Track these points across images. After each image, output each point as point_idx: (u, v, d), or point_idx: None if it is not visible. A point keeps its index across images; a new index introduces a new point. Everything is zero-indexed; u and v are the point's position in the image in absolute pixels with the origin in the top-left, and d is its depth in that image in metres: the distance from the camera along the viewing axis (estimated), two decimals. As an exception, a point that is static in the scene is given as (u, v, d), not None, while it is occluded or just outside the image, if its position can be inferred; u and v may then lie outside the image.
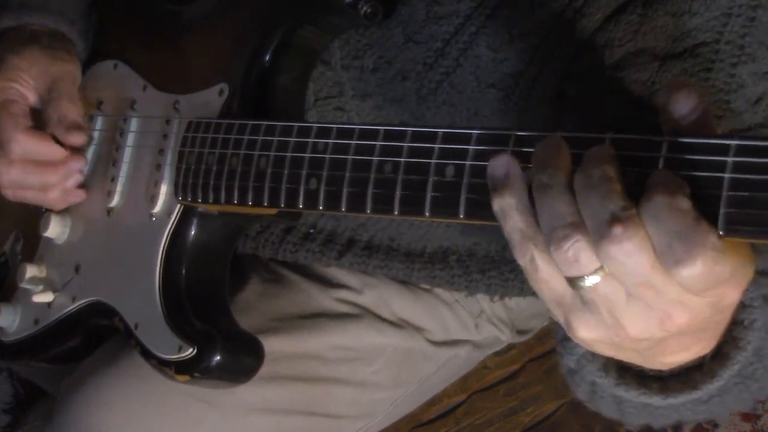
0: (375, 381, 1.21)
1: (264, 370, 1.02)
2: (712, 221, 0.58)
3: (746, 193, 0.57)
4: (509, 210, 0.64)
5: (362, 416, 1.23)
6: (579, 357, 0.81)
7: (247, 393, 1.09)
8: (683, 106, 0.61)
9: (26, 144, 1.07)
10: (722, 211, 0.58)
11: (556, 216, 0.61)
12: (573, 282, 0.62)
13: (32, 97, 1.11)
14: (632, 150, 0.62)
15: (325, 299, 1.21)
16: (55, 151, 1.09)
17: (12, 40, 1.13)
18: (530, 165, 0.65)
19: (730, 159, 0.58)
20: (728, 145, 0.58)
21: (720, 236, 0.57)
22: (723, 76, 0.85)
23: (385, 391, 1.23)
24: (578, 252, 0.60)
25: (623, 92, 0.87)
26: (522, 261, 0.64)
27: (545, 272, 0.64)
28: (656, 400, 0.77)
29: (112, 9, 1.21)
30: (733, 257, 0.58)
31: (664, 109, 0.62)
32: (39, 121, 1.10)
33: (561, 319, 0.66)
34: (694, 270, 0.57)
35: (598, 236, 0.59)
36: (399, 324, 1.23)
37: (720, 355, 0.74)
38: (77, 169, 1.11)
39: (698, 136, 0.60)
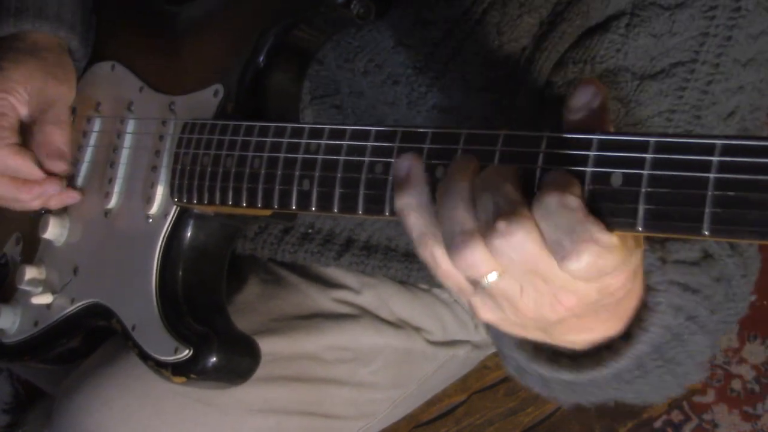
0: (373, 381, 1.21)
1: (262, 370, 1.02)
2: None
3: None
4: (408, 209, 0.68)
5: (361, 416, 1.23)
6: (497, 332, 0.82)
7: (246, 393, 1.09)
8: (582, 96, 0.65)
9: (8, 160, 1.09)
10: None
11: (455, 222, 0.65)
12: (472, 282, 0.66)
13: (23, 112, 1.12)
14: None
15: (324, 300, 1.21)
16: (34, 173, 1.10)
17: (11, 49, 1.13)
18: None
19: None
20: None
21: (608, 231, 0.61)
22: (696, 93, 0.89)
23: (384, 391, 1.23)
24: (475, 257, 0.64)
25: None
26: (423, 255, 0.68)
27: (445, 266, 0.68)
28: (566, 375, 0.81)
29: (109, 10, 1.21)
30: (619, 251, 0.62)
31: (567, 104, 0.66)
32: (25, 135, 1.11)
33: (466, 304, 0.71)
34: (580, 264, 0.61)
35: (486, 230, 0.63)
36: (398, 324, 1.23)
37: (627, 335, 0.78)
38: (52, 191, 1.11)
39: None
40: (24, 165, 1.10)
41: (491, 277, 0.65)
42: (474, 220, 0.64)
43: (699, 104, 0.89)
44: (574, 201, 0.61)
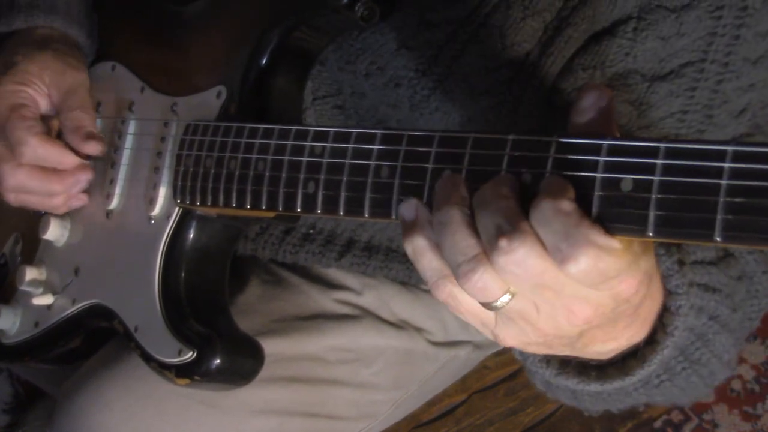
0: (375, 382, 1.21)
1: (264, 371, 1.02)
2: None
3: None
4: (421, 251, 0.68)
5: (363, 417, 1.23)
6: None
7: (248, 395, 1.09)
8: (590, 96, 0.66)
9: (39, 149, 1.06)
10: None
11: (458, 252, 0.65)
12: (487, 306, 0.66)
13: (44, 104, 1.10)
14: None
15: (325, 300, 1.21)
16: (68, 160, 1.08)
17: (23, 44, 1.12)
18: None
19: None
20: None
21: (606, 234, 0.61)
22: (707, 93, 0.89)
23: (386, 392, 1.23)
24: (486, 282, 0.64)
25: None
26: (441, 297, 0.68)
27: (466, 303, 0.68)
28: (594, 387, 0.81)
29: (110, 10, 1.21)
30: (621, 255, 0.62)
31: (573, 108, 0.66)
32: (48, 128, 1.10)
33: (490, 336, 0.71)
34: (579, 266, 0.61)
35: (489, 249, 0.63)
36: (399, 325, 1.23)
37: (652, 341, 0.79)
38: (85, 180, 1.10)
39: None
40: (56, 152, 1.07)
41: (504, 299, 0.65)
42: (476, 245, 0.65)
43: (710, 103, 0.89)
44: (568, 205, 0.62)
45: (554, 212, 0.62)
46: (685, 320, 0.79)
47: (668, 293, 0.78)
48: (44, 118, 1.11)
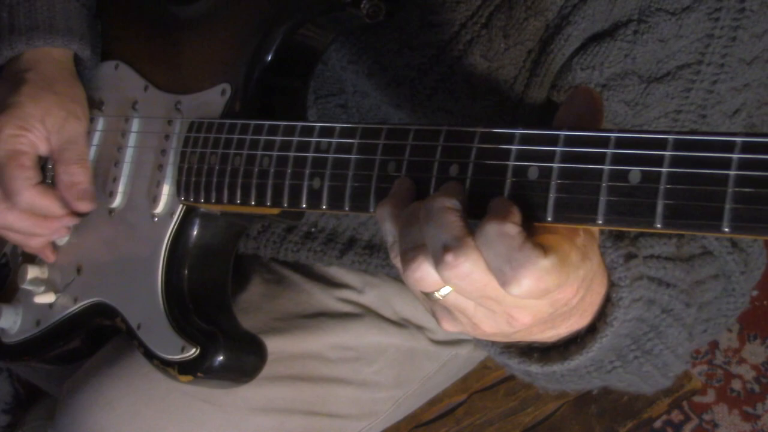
0: (377, 380, 1.21)
1: (266, 369, 1.02)
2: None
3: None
4: (387, 216, 0.72)
5: (364, 416, 1.23)
6: None
7: (249, 393, 1.09)
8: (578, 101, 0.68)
9: (35, 200, 1.08)
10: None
11: (407, 239, 0.68)
12: (425, 294, 0.69)
13: (43, 148, 1.10)
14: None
15: (327, 299, 1.21)
16: (59, 212, 1.10)
17: (26, 83, 1.11)
18: None
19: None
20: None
21: (545, 255, 0.63)
22: (702, 93, 0.91)
23: (387, 390, 1.23)
24: (424, 272, 0.67)
25: (607, 111, 0.92)
26: (395, 261, 0.71)
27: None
28: (534, 368, 0.84)
29: (113, 10, 1.21)
30: (560, 270, 0.64)
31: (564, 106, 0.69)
32: (44, 175, 1.11)
33: (429, 312, 0.74)
34: (521, 288, 0.63)
35: (435, 262, 0.66)
36: (401, 323, 1.23)
37: (593, 329, 0.81)
38: (69, 225, 1.12)
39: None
40: (51, 205, 1.09)
41: (443, 291, 0.68)
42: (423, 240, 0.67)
43: (704, 104, 0.91)
44: (512, 228, 0.64)
45: (498, 235, 0.63)
46: (626, 312, 0.81)
47: (611, 284, 0.81)
48: (41, 160, 1.11)
